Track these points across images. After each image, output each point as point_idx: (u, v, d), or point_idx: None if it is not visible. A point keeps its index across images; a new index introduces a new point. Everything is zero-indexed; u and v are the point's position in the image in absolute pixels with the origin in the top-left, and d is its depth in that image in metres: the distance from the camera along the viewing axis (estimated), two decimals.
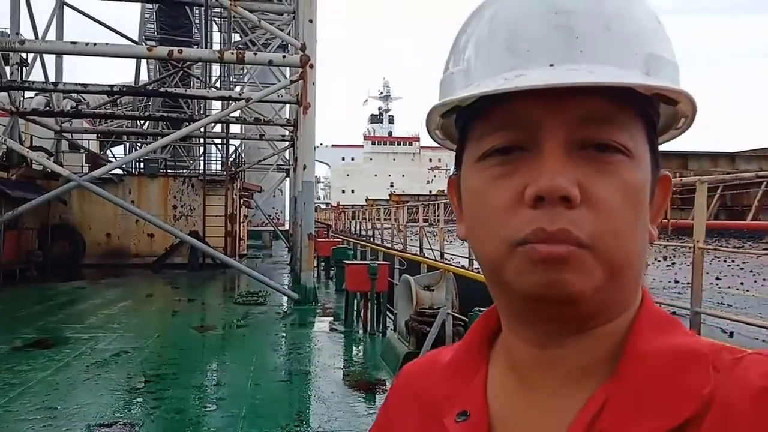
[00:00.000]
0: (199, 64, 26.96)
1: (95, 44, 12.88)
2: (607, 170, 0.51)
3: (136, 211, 15.07)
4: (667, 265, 12.00)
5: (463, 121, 0.59)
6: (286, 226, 35.43)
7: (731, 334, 5.72)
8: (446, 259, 12.20)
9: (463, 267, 9.53)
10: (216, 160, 31.51)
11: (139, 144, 28.12)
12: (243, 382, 6.83)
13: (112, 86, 17.57)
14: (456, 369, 0.63)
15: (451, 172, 0.67)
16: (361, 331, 9.87)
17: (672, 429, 0.48)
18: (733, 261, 12.38)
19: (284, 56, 14.25)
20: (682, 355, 0.52)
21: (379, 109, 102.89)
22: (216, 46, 29.03)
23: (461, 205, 0.60)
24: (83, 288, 15.73)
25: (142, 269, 20.39)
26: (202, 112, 27.09)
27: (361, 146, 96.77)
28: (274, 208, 41.89)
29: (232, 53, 13.94)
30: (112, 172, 20.50)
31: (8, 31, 18.58)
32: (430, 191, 58.71)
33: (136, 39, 26.08)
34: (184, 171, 31.60)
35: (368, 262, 10.57)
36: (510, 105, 0.53)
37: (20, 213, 14.21)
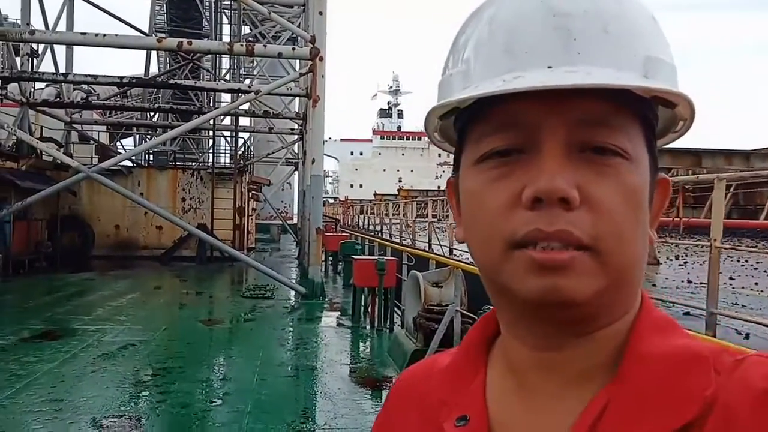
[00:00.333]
0: (209, 56, 26.98)
1: (105, 35, 12.84)
2: (606, 173, 0.51)
3: (144, 203, 15.08)
4: (680, 265, 11.86)
5: (461, 123, 0.59)
6: (295, 220, 35.46)
7: (747, 336, 5.61)
8: (455, 255, 12.11)
9: (472, 264, 9.43)
10: (225, 153, 31.51)
11: (148, 136, 28.13)
12: (249, 376, 6.79)
13: (121, 78, 17.56)
14: (454, 373, 0.63)
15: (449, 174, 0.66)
16: (368, 327, 9.82)
17: (675, 431, 0.48)
18: (746, 261, 12.22)
19: (294, 49, 14.22)
20: (683, 357, 0.52)
21: (388, 103, 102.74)
22: (226, 39, 28.99)
23: (459, 208, 0.60)
24: (92, 279, 15.78)
25: (151, 261, 20.45)
26: (211, 104, 27.05)
27: (370, 141, 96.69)
28: (282, 201, 41.93)
29: (242, 45, 13.87)
30: (122, 163, 20.54)
31: (19, 23, 18.62)
32: (439, 186, 58.53)
33: (147, 31, 26.04)
34: (193, 163, 31.64)
35: (376, 257, 10.51)
36: (508, 107, 0.53)
37: (29, 204, 14.24)
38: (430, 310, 7.06)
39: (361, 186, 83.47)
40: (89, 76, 16.74)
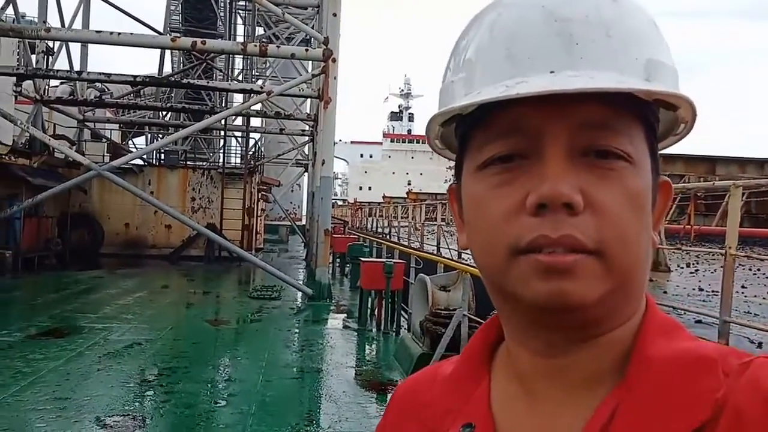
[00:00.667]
0: (222, 57, 27.08)
1: (120, 34, 12.91)
2: (609, 176, 0.51)
3: (154, 202, 15.11)
4: (691, 272, 11.73)
5: (463, 130, 0.58)
6: (303, 222, 35.47)
7: (760, 345, 5.52)
8: (464, 259, 12.04)
9: None
10: (236, 153, 31.60)
11: (160, 135, 28.26)
12: (254, 378, 6.76)
13: (135, 76, 17.64)
14: (458, 381, 0.62)
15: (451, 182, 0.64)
16: (374, 330, 9.77)
17: None
18: (758, 269, 12.07)
19: (307, 50, 14.21)
20: (691, 360, 0.51)
21: (399, 106, 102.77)
22: (240, 39, 29.07)
23: (462, 215, 0.60)
24: (100, 277, 15.84)
25: (159, 260, 20.51)
26: (223, 104, 27.16)
27: (380, 143, 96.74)
28: (291, 202, 41.98)
29: (255, 46, 13.90)
30: (133, 162, 20.63)
31: (35, 20, 18.76)
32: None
33: (161, 30, 26.18)
34: (204, 163, 31.73)
35: (384, 260, 10.46)
36: (511, 112, 0.52)
37: (40, 200, 14.32)
38: (437, 314, 7.00)
39: (370, 188, 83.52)
40: (103, 74, 16.85)
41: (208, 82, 21.45)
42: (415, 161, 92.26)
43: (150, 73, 27.33)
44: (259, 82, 30.91)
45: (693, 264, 13.26)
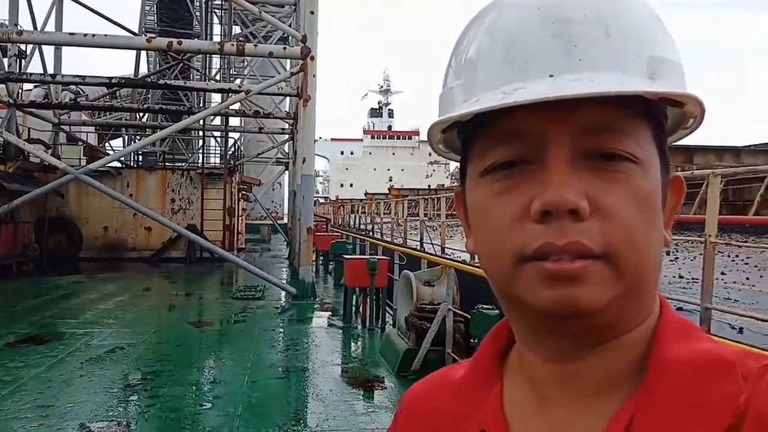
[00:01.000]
0: (199, 56, 26.81)
1: (94, 35, 12.70)
2: (615, 179, 0.50)
3: (133, 205, 14.93)
4: (671, 260, 11.89)
5: (465, 135, 0.58)
6: (285, 220, 35.32)
7: (740, 330, 5.61)
8: (447, 254, 12.07)
9: (464, 262, 9.40)
10: (215, 153, 31.34)
11: (137, 137, 27.94)
12: (240, 379, 6.71)
13: (110, 78, 17.39)
14: (468, 386, 0.62)
15: (454, 186, 0.61)
16: (359, 327, 9.76)
17: None
18: (737, 256, 12.27)
19: (285, 48, 14.12)
20: (709, 363, 0.50)
21: (378, 103, 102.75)
22: (216, 39, 28.79)
23: (468, 219, 0.59)
24: (80, 282, 15.62)
25: (140, 263, 20.29)
26: (201, 104, 26.87)
27: (361, 140, 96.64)
28: (273, 201, 41.80)
29: (233, 45, 13.76)
30: (110, 165, 20.36)
31: (7, 23, 18.41)
32: (429, 185, 58.57)
33: (136, 31, 25.83)
34: (183, 164, 31.42)
35: (367, 256, 10.44)
36: (511, 118, 0.52)
37: (16, 206, 14.08)
38: (422, 309, 7.01)
39: (351, 185, 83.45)
40: (77, 76, 16.57)
41: (185, 83, 21.22)
42: (397, 157, 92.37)
43: (126, 74, 26.96)
44: (237, 81, 30.66)
45: (673, 252, 13.42)
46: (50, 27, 19.79)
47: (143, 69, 28.64)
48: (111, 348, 8.03)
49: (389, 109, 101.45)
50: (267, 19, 15.44)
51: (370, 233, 21.46)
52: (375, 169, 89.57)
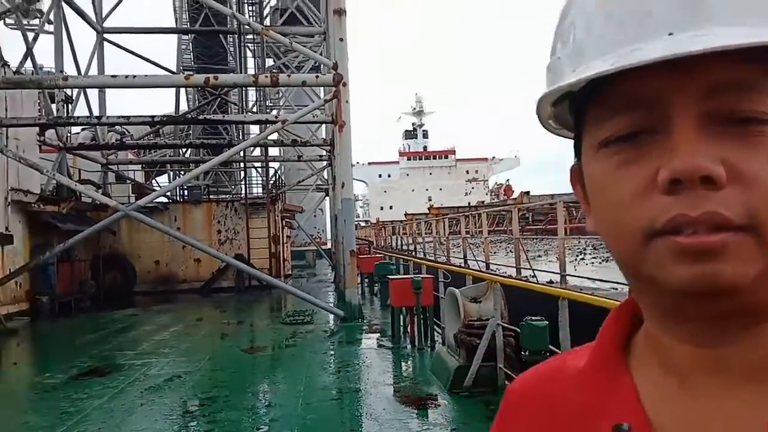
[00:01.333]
0: (236, 90, 27.54)
1: (135, 76, 13.26)
2: (753, 144, 0.44)
3: (182, 238, 15.36)
4: None
5: (577, 107, 0.53)
6: (329, 245, 35.61)
7: None
8: (492, 270, 12.02)
9: (510, 277, 9.35)
10: (257, 184, 31.98)
11: (181, 172, 28.77)
12: (294, 402, 6.81)
13: (153, 116, 18.05)
14: (591, 374, 0.56)
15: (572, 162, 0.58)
16: (409, 347, 9.76)
17: None
18: None
19: (317, 76, 14.40)
20: None
21: (413, 124, 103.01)
22: (251, 71, 29.57)
23: (587, 197, 0.54)
24: (135, 315, 16.07)
25: (191, 294, 20.76)
26: (241, 137, 27.53)
27: (397, 162, 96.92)
28: (315, 227, 42.22)
29: (266, 77, 14.16)
30: (158, 200, 21.02)
31: (53, 71, 19.33)
32: (469, 203, 58.25)
33: (174, 70, 26.78)
34: (227, 196, 32.15)
35: (411, 276, 10.47)
36: (628, 84, 0.47)
37: (71, 245, 14.64)
38: (470, 326, 7.00)
39: (391, 208, 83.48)
40: (122, 117, 17.26)
41: (223, 116, 21.90)
42: (434, 177, 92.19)
43: (167, 112, 27.91)
44: (274, 112, 31.35)
45: None
46: (93, 71, 20.70)
47: (183, 106, 29.60)
48: (168, 377, 8.25)
49: (423, 130, 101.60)
50: (298, 49, 15.83)
51: (413, 253, 21.49)
52: (413, 190, 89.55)
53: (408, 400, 6.76)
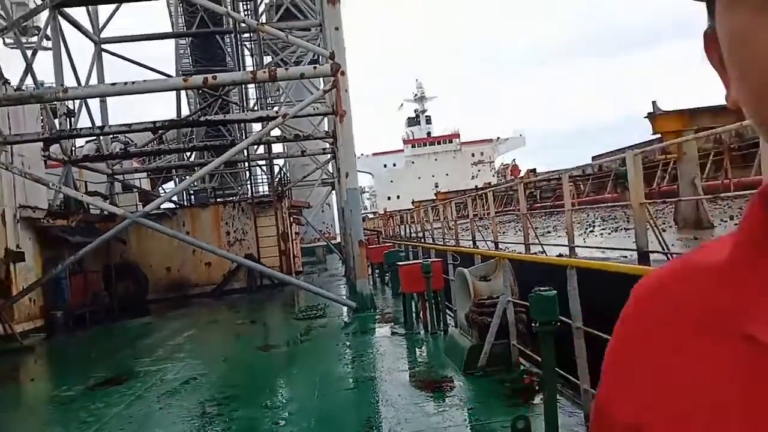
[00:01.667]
0: (236, 90, 27.55)
1: (134, 83, 13.25)
2: None
3: (192, 241, 15.39)
4: (735, 224, 11.38)
5: None
6: (338, 240, 35.65)
7: None
8: (501, 248, 11.94)
9: (519, 252, 9.27)
10: (262, 182, 32.02)
11: (187, 177, 28.87)
12: (310, 394, 6.80)
13: (155, 122, 18.05)
14: (735, 271, 0.46)
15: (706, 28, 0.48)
16: (422, 332, 9.73)
17: None
18: None
19: (315, 67, 14.31)
20: None
21: (415, 111, 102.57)
22: (249, 69, 29.54)
23: (723, 65, 0.45)
24: (149, 323, 16.15)
25: (203, 298, 20.83)
26: (243, 137, 27.56)
27: (402, 151, 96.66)
28: (324, 222, 42.28)
29: (264, 72, 14.13)
30: (165, 206, 21.08)
31: (54, 85, 19.38)
32: (476, 186, 58.11)
33: (174, 74, 26.80)
34: (233, 197, 32.25)
35: (420, 260, 10.43)
36: None
37: (81, 257, 14.69)
38: (481, 305, 6.94)
39: (398, 197, 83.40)
40: (124, 125, 17.27)
41: (224, 117, 21.85)
42: (439, 163, 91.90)
43: (169, 117, 27.97)
44: (275, 109, 31.31)
45: (736, 216, 12.88)
46: (93, 83, 20.74)
47: (185, 110, 29.65)
48: (185, 380, 8.25)
49: (426, 116, 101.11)
50: (294, 42, 15.78)
51: (422, 240, 21.44)
52: (419, 178, 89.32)
53: (423, 384, 6.72)
